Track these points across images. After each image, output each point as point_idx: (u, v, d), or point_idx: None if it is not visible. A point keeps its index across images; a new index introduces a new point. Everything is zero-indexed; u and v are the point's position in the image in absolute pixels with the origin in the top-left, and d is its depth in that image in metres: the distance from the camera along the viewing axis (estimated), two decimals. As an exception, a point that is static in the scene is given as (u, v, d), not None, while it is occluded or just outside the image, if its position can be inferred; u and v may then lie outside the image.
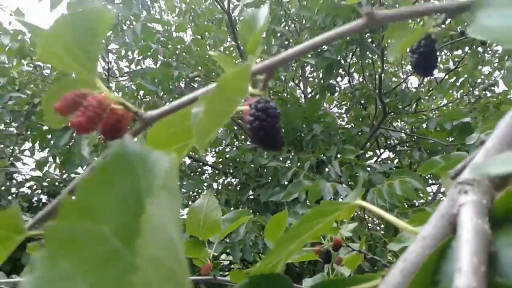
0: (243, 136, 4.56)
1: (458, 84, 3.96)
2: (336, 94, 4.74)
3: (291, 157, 4.00)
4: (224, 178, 4.49)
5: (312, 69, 5.03)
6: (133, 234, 0.14)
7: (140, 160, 0.17)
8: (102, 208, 0.15)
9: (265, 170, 4.07)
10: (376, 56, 4.02)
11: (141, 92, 3.78)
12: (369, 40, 3.87)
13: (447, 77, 4.08)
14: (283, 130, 4.54)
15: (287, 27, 4.33)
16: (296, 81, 5.04)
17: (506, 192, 0.27)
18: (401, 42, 0.45)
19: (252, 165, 4.19)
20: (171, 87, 3.75)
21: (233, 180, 4.60)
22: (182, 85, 3.88)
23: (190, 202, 4.38)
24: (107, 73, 4.23)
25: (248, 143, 4.57)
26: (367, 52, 3.84)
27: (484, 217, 0.26)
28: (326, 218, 0.42)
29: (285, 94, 4.65)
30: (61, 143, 3.10)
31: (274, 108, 0.42)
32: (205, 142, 0.35)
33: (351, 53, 4.07)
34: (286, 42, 4.08)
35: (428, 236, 0.30)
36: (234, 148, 4.65)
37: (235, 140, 4.66)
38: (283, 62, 0.42)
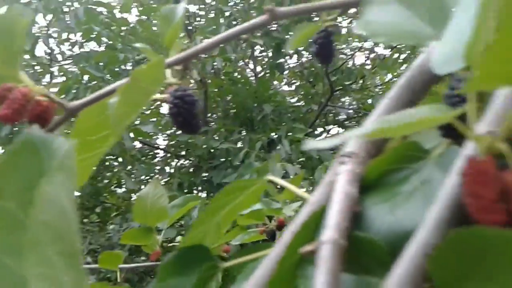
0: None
1: (400, 60, 4.14)
2: (286, 72, 4.82)
3: (242, 137, 4.06)
4: (176, 161, 4.49)
5: (262, 49, 5.07)
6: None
7: (44, 145, 0.21)
8: (9, 187, 0.19)
9: (217, 151, 4.10)
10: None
11: (86, 77, 3.69)
12: (316, 19, 3.95)
13: (390, 54, 4.25)
14: (234, 110, 4.59)
15: (235, 7, 4.33)
16: (246, 60, 5.07)
17: (374, 162, 0.34)
18: (299, 35, 0.50)
19: (205, 146, 4.22)
20: (118, 70, 3.69)
21: (186, 162, 4.62)
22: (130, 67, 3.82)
23: (142, 187, 4.37)
24: (49, 57, 4.10)
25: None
26: (314, 31, 3.92)
27: (355, 183, 0.32)
28: (243, 192, 0.48)
29: (236, 74, 4.68)
30: (2, 133, 3.06)
31: (191, 95, 0.47)
32: (119, 130, 0.39)
33: (298, 32, 4.14)
34: (234, 22, 4.09)
35: (315, 202, 0.36)
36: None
37: (186, 122, 4.65)
38: (196, 54, 0.47)
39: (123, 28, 3.67)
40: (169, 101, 0.47)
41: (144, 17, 4.15)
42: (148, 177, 4.38)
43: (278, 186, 0.94)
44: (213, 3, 4.15)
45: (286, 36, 3.95)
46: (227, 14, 4.07)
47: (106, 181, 4.13)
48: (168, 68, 0.48)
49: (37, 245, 0.16)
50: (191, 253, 0.46)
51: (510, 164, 0.23)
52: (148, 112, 5.02)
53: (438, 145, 0.31)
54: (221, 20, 4.02)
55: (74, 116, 0.44)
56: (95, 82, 3.68)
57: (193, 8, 4.60)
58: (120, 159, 4.12)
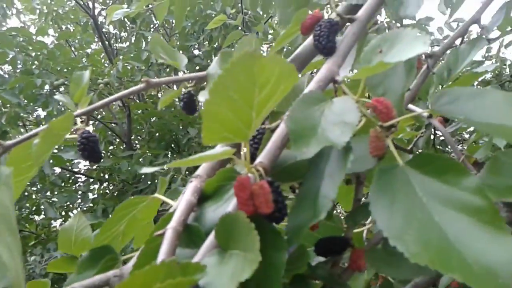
0: (117, 140, 4.62)
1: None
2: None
3: (167, 161, 4.17)
4: (99, 185, 4.50)
5: (186, 72, 5.27)
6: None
7: None
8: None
9: (143, 175, 4.18)
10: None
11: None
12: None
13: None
14: (158, 133, 4.70)
15: (157, 32, 4.50)
16: (170, 84, 5.22)
17: (210, 180, 0.54)
18: (166, 96, 0.73)
19: (130, 170, 4.28)
20: (36, 94, 3.70)
21: (111, 186, 4.64)
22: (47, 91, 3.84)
23: (63, 213, 4.34)
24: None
25: (123, 149, 4.64)
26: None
27: (195, 194, 0.52)
28: (137, 206, 0.66)
29: (160, 96, 4.82)
30: None
31: (94, 136, 0.66)
32: (40, 161, 0.57)
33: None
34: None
35: (175, 207, 0.56)
36: (109, 154, 4.69)
37: (109, 146, 4.70)
38: (95, 109, 0.65)
39: (38, 53, 3.69)
40: (78, 140, 0.65)
41: (62, 41, 4.20)
42: (69, 204, 4.36)
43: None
44: (134, 26, 4.28)
45: (209, 61, 4.19)
46: (148, 39, 4.21)
47: (25, 210, 4.06)
48: (77, 117, 0.66)
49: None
50: (98, 251, 0.62)
51: (264, 179, 0.44)
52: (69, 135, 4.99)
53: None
54: (143, 45, 4.16)
55: (8, 152, 0.61)
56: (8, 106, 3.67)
57: (115, 29, 4.71)
58: (39, 185, 4.08)
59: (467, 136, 2.47)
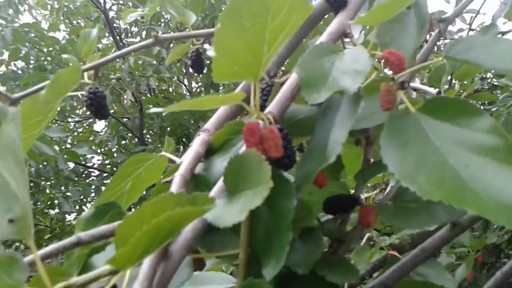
0: (129, 135, 4.65)
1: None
2: (221, 88, 5.04)
3: (179, 155, 4.17)
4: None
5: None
6: None
7: (2, 110, 0.39)
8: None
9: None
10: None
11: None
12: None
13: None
14: (170, 128, 4.72)
15: (167, 27, 4.51)
16: (181, 77, 5.24)
17: (217, 133, 0.53)
18: (174, 52, 0.72)
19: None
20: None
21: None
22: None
23: (77, 207, 4.38)
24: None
25: (135, 144, 4.67)
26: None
27: (203, 145, 0.52)
28: (143, 164, 0.65)
29: (171, 91, 4.84)
30: None
31: (101, 92, 0.66)
32: (48, 114, 0.57)
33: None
34: (168, 43, 4.26)
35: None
36: (122, 148, 4.72)
37: (121, 141, 4.73)
38: (105, 63, 0.65)
39: (50, 48, 3.72)
40: (85, 95, 0.66)
41: (74, 35, 4.23)
42: (83, 198, 4.41)
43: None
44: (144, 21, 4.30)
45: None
46: (159, 33, 4.23)
47: (40, 205, 4.11)
48: (85, 72, 0.66)
49: (3, 155, 0.34)
50: (103, 207, 0.61)
51: (267, 125, 0.44)
52: (81, 130, 5.04)
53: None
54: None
55: (16, 105, 0.61)
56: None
57: (125, 24, 4.74)
58: (53, 180, 4.12)
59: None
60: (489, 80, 2.88)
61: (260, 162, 0.37)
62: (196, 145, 0.51)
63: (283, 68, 0.63)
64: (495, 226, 1.92)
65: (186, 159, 0.48)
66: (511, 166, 0.36)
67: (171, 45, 4.09)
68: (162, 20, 4.54)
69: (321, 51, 0.50)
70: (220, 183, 0.43)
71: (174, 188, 0.43)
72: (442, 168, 0.38)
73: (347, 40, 0.57)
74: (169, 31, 4.49)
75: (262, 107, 0.53)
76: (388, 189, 0.64)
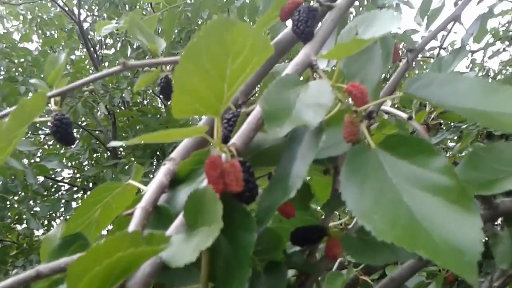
0: (100, 149, 4.59)
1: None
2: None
3: (153, 169, 4.14)
4: (82, 193, 4.46)
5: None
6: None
7: None
8: None
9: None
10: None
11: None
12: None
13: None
14: (143, 142, 4.67)
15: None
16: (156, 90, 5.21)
17: (183, 163, 0.53)
18: (142, 79, 0.72)
19: (114, 179, 4.24)
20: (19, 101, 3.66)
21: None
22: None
23: (46, 222, 4.28)
24: None
25: (107, 157, 4.61)
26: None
27: (167, 175, 0.52)
28: (110, 193, 0.65)
29: (146, 105, 4.81)
30: None
31: (67, 118, 0.66)
32: (12, 141, 0.56)
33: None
34: (143, 55, 4.24)
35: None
36: (93, 162, 4.65)
37: (93, 154, 4.66)
38: (72, 89, 0.65)
39: (22, 59, 3.67)
40: (51, 121, 0.65)
41: (47, 47, 4.18)
42: (52, 213, 4.31)
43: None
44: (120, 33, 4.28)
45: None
46: (135, 46, 4.21)
47: (6, 220, 3.99)
48: (51, 98, 0.66)
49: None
50: (69, 238, 0.60)
51: (230, 158, 0.44)
52: (52, 142, 4.94)
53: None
54: (129, 53, 4.16)
55: None
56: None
57: (100, 36, 4.70)
58: (21, 194, 4.02)
59: (451, 144, 2.49)
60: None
61: (214, 201, 0.38)
62: (161, 175, 0.51)
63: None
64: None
65: (149, 190, 0.49)
66: (462, 207, 0.38)
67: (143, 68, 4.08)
68: (138, 32, 4.53)
69: (286, 83, 0.51)
70: (180, 217, 0.44)
71: (134, 222, 0.43)
72: (397, 206, 0.39)
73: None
74: (145, 44, 4.48)
75: (227, 138, 0.53)
76: (354, 220, 0.66)
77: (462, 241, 0.36)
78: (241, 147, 0.48)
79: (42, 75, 3.91)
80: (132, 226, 0.43)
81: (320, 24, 0.59)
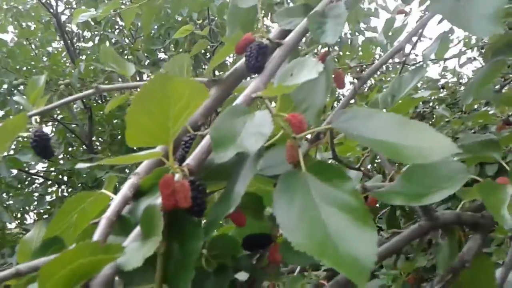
0: (76, 142, 4.62)
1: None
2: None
3: (130, 165, 4.19)
4: (57, 187, 4.48)
5: (151, 76, 5.31)
6: None
7: None
8: None
9: (103, 179, 4.18)
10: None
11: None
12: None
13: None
14: (120, 136, 4.74)
15: (122, 33, 4.54)
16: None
17: (146, 178, 0.63)
18: (112, 102, 0.82)
19: (89, 174, 4.28)
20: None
21: (69, 189, 4.63)
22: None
23: (19, 215, 4.31)
24: None
25: (83, 151, 4.64)
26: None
27: (131, 189, 0.61)
28: (86, 200, 0.73)
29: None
30: None
31: (46, 134, 0.74)
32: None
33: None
34: (121, 50, 4.29)
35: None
36: (68, 156, 4.68)
37: (68, 148, 4.69)
38: (49, 110, 0.74)
39: (-1, 50, 3.68)
40: (31, 137, 0.74)
41: (23, 39, 4.18)
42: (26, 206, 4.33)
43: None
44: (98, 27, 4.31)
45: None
46: (113, 41, 4.26)
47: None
48: (31, 117, 0.75)
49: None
50: (48, 241, 0.69)
51: (187, 178, 0.54)
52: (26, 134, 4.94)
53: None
54: (107, 46, 4.19)
55: None
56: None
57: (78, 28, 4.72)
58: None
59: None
60: (430, 104, 3.10)
61: (158, 218, 0.48)
62: (125, 188, 0.60)
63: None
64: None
65: (114, 202, 0.58)
66: (363, 224, 0.48)
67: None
68: (117, 26, 4.57)
69: (235, 112, 0.60)
70: (139, 227, 0.53)
71: (99, 230, 0.53)
72: (315, 222, 0.49)
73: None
74: (123, 38, 4.53)
75: (184, 158, 0.63)
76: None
77: (360, 253, 0.46)
78: (194, 167, 0.58)
79: (17, 66, 3.94)
80: (97, 233, 0.52)
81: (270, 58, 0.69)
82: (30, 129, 0.76)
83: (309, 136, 0.79)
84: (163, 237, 0.53)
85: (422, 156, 0.52)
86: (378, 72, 4.20)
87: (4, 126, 0.64)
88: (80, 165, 0.57)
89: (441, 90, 3.22)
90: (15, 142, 4.52)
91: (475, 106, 2.71)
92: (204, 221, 0.61)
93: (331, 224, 0.49)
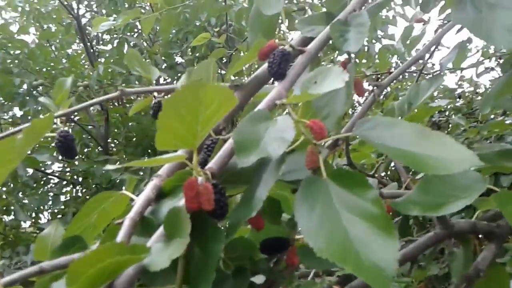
0: (92, 144, 4.66)
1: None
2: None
3: (144, 167, 4.21)
4: (71, 187, 4.52)
5: (167, 80, 5.36)
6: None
7: None
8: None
9: (117, 180, 4.21)
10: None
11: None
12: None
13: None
14: (136, 138, 4.77)
15: (141, 37, 4.59)
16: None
17: (168, 180, 0.64)
18: (137, 105, 0.83)
19: (104, 175, 4.31)
20: (13, 93, 3.75)
21: (84, 190, 4.67)
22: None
23: (34, 214, 4.36)
24: None
25: (98, 152, 4.68)
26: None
27: (154, 190, 0.62)
28: (106, 201, 0.75)
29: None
30: None
31: (70, 135, 0.76)
32: (22, 155, 0.66)
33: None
34: (140, 53, 4.32)
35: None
36: (84, 157, 4.73)
37: (84, 149, 4.74)
38: (73, 112, 0.75)
39: (18, 51, 3.75)
40: (56, 138, 0.75)
41: (44, 40, 4.25)
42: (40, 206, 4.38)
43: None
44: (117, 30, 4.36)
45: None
46: (132, 44, 4.30)
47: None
48: (57, 118, 0.76)
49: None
50: (69, 240, 0.70)
51: (210, 181, 0.55)
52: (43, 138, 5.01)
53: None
54: (125, 50, 4.24)
55: None
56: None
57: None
58: (11, 185, 4.10)
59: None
60: (446, 113, 3.08)
61: (186, 219, 0.48)
62: (148, 189, 0.61)
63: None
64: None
65: (137, 203, 0.59)
66: (385, 233, 0.48)
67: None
68: (136, 30, 4.62)
69: (258, 118, 0.61)
70: (162, 228, 0.54)
71: (123, 230, 0.54)
72: (337, 228, 0.50)
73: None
74: (142, 41, 4.57)
75: (206, 161, 0.64)
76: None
77: (382, 260, 0.46)
78: (216, 170, 0.59)
79: (37, 68, 4.00)
80: (121, 234, 0.53)
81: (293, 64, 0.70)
82: (55, 130, 0.78)
83: (329, 142, 0.79)
84: (187, 239, 0.54)
85: (445, 167, 0.52)
86: (394, 81, 4.19)
87: (32, 126, 0.66)
88: (109, 167, 0.58)
89: (458, 99, 3.20)
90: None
91: (492, 116, 2.69)
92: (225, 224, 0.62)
93: (353, 230, 0.49)
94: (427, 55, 1.55)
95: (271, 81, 0.81)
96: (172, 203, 0.60)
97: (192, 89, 0.45)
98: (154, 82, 0.89)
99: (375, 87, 0.87)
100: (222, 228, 0.56)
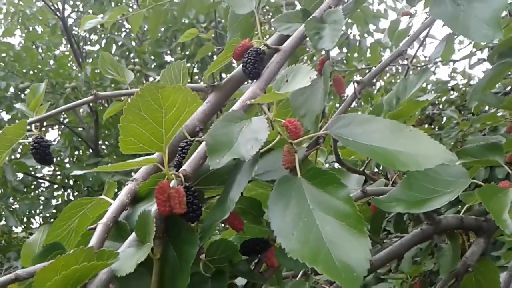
0: (82, 146, 4.66)
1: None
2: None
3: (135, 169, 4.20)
4: (63, 191, 4.52)
5: (157, 79, 5.34)
6: None
7: None
8: None
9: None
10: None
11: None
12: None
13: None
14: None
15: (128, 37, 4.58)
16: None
17: (143, 184, 0.64)
18: (112, 108, 0.84)
19: (95, 177, 4.31)
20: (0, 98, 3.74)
21: (75, 193, 4.67)
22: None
23: (25, 219, 4.35)
24: None
25: (89, 155, 4.68)
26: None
27: (128, 195, 0.62)
28: (85, 206, 0.75)
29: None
30: None
31: (45, 141, 0.76)
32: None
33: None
34: (128, 53, 4.32)
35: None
36: (74, 160, 4.72)
37: (75, 151, 4.73)
38: (46, 118, 0.75)
39: (3, 54, 3.73)
40: (31, 144, 0.76)
41: (29, 42, 4.23)
42: (31, 210, 4.37)
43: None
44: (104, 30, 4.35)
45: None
46: (119, 43, 4.29)
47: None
48: (32, 124, 0.77)
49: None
50: (49, 247, 0.70)
51: (183, 184, 0.55)
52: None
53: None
54: (113, 50, 4.23)
55: None
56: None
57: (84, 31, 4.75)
58: (0, 191, 4.09)
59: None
60: (440, 106, 3.09)
61: (151, 223, 0.49)
62: (123, 194, 0.62)
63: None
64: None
65: (111, 208, 0.59)
66: (357, 231, 0.49)
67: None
68: (123, 29, 4.61)
69: (232, 118, 0.62)
70: (134, 233, 0.54)
71: (96, 235, 0.54)
72: (310, 228, 0.50)
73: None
74: (130, 41, 4.56)
75: (181, 163, 0.64)
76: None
77: (353, 260, 0.47)
78: (190, 173, 0.59)
79: (24, 70, 3.98)
80: (94, 239, 0.54)
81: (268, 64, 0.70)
82: (30, 136, 0.78)
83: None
84: (160, 242, 0.54)
85: (416, 163, 0.53)
86: (388, 74, 4.20)
87: (3, 133, 0.66)
88: (76, 172, 0.59)
89: (451, 92, 3.21)
90: (21, 146, 4.58)
91: (486, 108, 2.70)
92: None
93: (326, 230, 0.50)
94: (416, 48, 1.56)
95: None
96: (146, 207, 0.61)
97: (150, 92, 0.46)
98: (139, 81, 0.89)
99: (356, 84, 0.88)
100: (197, 230, 0.57)
